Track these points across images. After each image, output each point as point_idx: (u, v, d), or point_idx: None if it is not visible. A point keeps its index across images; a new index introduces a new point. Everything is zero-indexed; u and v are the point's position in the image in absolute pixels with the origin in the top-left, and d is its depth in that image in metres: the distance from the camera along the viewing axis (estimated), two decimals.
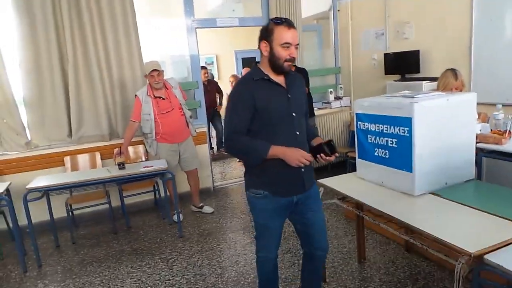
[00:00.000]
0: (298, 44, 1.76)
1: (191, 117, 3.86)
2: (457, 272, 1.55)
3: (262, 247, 2.03)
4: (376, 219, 2.22)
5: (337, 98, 5.38)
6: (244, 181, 2.02)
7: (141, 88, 3.67)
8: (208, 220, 3.87)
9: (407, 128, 2.05)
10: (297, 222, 2.04)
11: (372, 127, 2.30)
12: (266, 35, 1.75)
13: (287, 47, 1.71)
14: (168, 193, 3.77)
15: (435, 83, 3.94)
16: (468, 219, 1.79)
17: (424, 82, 3.90)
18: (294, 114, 1.84)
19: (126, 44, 3.99)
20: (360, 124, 2.39)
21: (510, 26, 3.29)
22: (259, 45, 1.79)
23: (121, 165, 3.44)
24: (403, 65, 4.31)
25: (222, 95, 6.50)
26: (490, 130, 2.64)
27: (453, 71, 3.03)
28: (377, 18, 4.69)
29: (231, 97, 1.85)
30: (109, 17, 3.87)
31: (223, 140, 1.90)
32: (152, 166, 3.37)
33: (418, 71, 4.14)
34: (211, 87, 6.30)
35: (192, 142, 3.91)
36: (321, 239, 2.04)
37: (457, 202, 1.97)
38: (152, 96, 3.56)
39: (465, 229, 1.69)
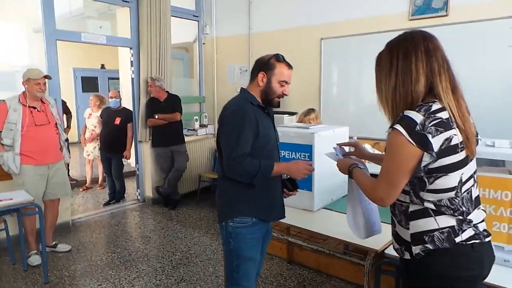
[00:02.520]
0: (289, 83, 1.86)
1: (66, 140, 3.36)
2: (366, 266, 1.94)
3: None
4: (283, 234, 2.49)
5: (202, 125, 5.60)
6: (218, 212, 1.89)
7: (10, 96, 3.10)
8: (75, 259, 3.35)
9: (308, 154, 2.44)
10: None
11: None
12: (266, 67, 1.80)
13: (283, 84, 1.82)
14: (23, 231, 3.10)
15: (292, 117, 4.69)
16: None
17: (284, 115, 4.55)
18: (278, 143, 1.96)
19: None
20: None
21: (350, 75, 4.24)
22: (255, 75, 1.83)
23: None
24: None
25: (71, 116, 5.76)
26: None
27: (307, 110, 3.71)
28: (242, 55, 5.22)
29: (234, 116, 1.75)
30: None
31: (226, 161, 1.73)
32: (11, 199, 2.74)
33: (278, 106, 4.77)
34: None
35: (64, 167, 3.38)
36: (261, 266, 2.12)
37: (344, 213, 2.43)
38: (25, 104, 3.05)
39: None
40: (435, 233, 1.24)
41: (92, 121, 5.40)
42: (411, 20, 3.67)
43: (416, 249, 1.27)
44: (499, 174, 1.74)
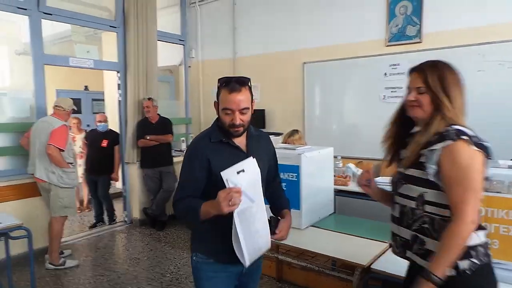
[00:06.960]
0: (245, 108, 1.52)
1: None
2: (354, 282, 2.04)
3: None
4: (272, 252, 2.57)
5: None
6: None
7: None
8: (63, 283, 3.31)
9: (296, 174, 2.56)
10: None
11: None
12: (217, 95, 1.58)
13: (228, 113, 1.52)
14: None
15: (278, 137, 4.82)
16: (342, 241, 2.37)
17: (270, 136, 4.68)
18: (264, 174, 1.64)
19: None
20: None
21: (332, 97, 4.43)
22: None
23: None
24: (251, 121, 5.03)
25: None
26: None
27: (291, 131, 3.85)
28: None
29: (186, 154, 1.62)
30: None
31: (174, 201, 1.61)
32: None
33: (264, 127, 4.93)
34: None
35: None
36: None
37: (331, 230, 2.56)
38: None
39: (347, 249, 2.24)
40: (478, 247, 1.27)
41: (79, 143, 5.40)
42: (387, 46, 3.91)
43: (463, 264, 1.25)
44: None
